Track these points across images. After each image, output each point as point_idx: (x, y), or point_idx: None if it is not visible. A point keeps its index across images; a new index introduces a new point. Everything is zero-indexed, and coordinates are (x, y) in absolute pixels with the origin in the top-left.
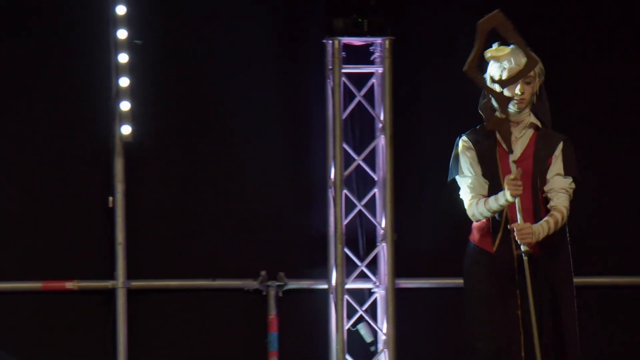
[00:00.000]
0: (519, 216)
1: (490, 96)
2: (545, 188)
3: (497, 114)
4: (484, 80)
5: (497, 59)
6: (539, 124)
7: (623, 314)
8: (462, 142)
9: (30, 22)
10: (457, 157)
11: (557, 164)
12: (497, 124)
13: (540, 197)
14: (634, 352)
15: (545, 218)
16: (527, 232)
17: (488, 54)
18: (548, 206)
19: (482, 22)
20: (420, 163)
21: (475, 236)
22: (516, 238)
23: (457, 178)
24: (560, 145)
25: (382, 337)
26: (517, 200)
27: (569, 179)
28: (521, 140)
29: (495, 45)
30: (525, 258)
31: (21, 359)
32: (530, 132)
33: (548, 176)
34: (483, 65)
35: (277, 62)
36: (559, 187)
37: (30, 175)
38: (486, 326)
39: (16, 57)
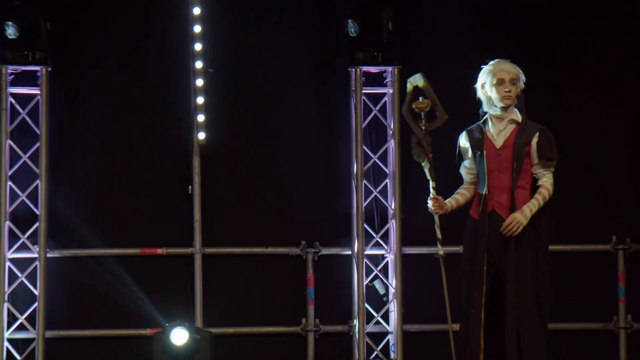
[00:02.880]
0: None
1: (414, 132)
2: (533, 171)
3: (419, 147)
4: (412, 121)
5: (420, 109)
6: (518, 119)
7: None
8: (462, 136)
9: (136, 57)
10: (458, 147)
11: (535, 151)
12: (420, 155)
13: (518, 178)
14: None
15: (535, 196)
16: (515, 224)
17: (413, 105)
18: (537, 184)
19: (410, 79)
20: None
21: (472, 208)
22: (507, 233)
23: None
24: (537, 135)
25: (392, 291)
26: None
27: (549, 162)
28: (503, 132)
29: (420, 99)
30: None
31: (123, 310)
32: (512, 126)
33: (534, 161)
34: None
35: (315, 85)
36: (543, 169)
37: (133, 170)
38: (468, 292)
39: (127, 83)
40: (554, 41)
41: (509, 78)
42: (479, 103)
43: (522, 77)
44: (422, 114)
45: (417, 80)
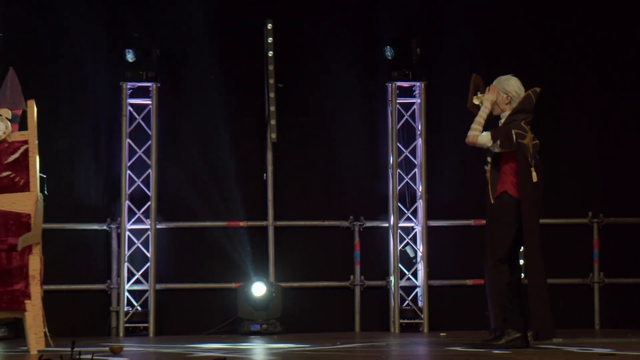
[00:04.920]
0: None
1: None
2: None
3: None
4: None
5: (479, 100)
6: (501, 122)
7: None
8: None
9: (224, 75)
10: None
11: None
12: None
13: (492, 163)
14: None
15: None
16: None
17: (476, 100)
18: None
19: (474, 76)
20: (442, 154)
21: None
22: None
23: None
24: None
25: (419, 254)
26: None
27: (489, 134)
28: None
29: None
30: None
31: (214, 269)
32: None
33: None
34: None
35: (360, 96)
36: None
37: (221, 162)
38: None
39: (217, 95)
40: (544, 66)
41: None
42: None
43: (500, 85)
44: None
45: (477, 79)
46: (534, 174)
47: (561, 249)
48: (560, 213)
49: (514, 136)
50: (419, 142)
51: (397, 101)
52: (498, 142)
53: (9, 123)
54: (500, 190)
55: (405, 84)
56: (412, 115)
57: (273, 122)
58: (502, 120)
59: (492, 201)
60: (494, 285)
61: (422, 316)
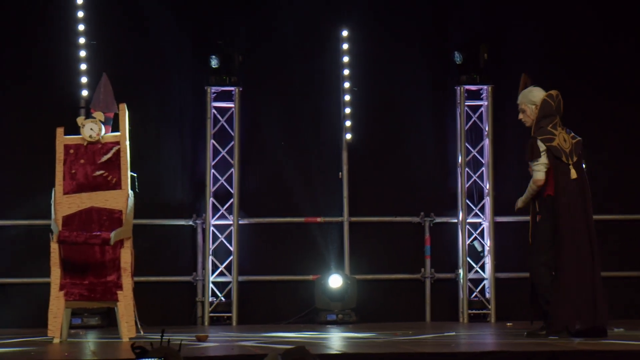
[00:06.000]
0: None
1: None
2: None
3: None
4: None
5: None
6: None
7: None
8: None
9: (300, 80)
10: None
11: None
12: None
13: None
14: None
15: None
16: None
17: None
18: None
19: (524, 75)
20: (507, 153)
21: None
22: None
23: None
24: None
25: (487, 248)
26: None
27: (530, 162)
28: None
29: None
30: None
31: (292, 261)
32: None
33: None
34: None
35: (431, 99)
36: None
37: (299, 161)
38: None
39: (295, 99)
40: (606, 64)
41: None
42: None
43: (526, 99)
44: None
45: (525, 78)
46: (572, 171)
47: (624, 243)
48: (623, 209)
49: (540, 144)
50: (486, 142)
51: (466, 103)
52: (538, 159)
53: (102, 125)
54: (546, 193)
55: (473, 88)
56: (480, 117)
57: (348, 123)
58: (532, 131)
59: (537, 204)
60: (539, 280)
61: (490, 307)
